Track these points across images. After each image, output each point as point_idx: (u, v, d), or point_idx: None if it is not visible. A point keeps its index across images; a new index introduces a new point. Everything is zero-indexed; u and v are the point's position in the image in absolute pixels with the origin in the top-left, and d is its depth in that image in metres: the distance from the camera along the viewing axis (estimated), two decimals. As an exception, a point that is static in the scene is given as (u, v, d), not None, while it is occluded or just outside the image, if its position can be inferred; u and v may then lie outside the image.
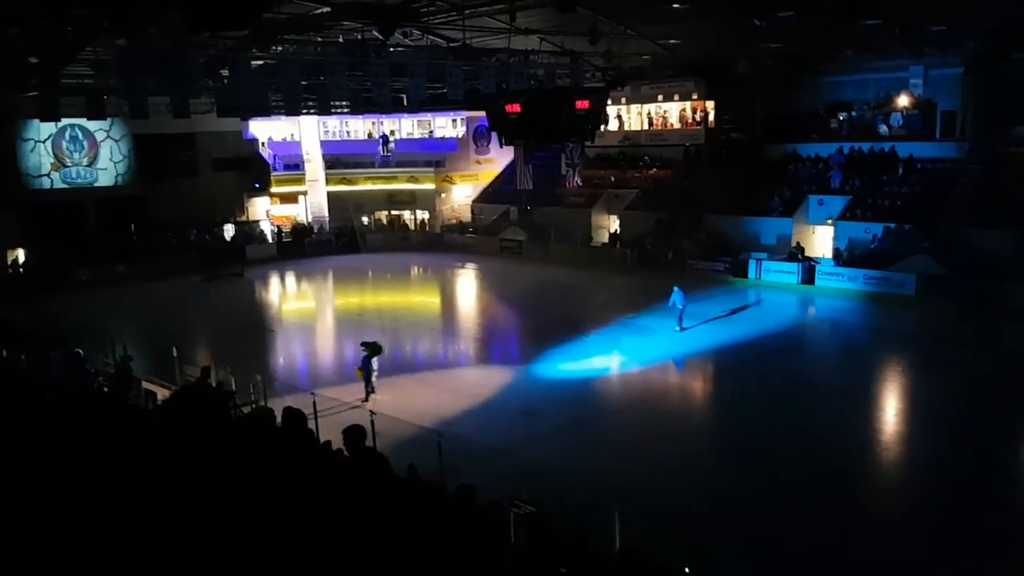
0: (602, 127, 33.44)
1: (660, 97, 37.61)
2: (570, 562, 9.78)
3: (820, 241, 30.17)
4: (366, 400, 17.07)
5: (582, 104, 24.11)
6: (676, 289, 22.85)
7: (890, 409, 17.94)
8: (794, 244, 29.47)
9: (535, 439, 15.59)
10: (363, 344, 18.02)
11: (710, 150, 35.54)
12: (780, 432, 15.59)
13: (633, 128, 39.27)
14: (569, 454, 14.68)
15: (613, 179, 38.29)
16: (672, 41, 28.35)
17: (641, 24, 25.78)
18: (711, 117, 36.01)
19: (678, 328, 22.83)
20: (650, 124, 38.62)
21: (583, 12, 19.34)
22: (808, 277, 28.24)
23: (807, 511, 12.35)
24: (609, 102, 32.72)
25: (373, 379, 17.66)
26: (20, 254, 34.73)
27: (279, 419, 9.31)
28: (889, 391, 19.08)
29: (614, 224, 36.37)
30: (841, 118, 33.09)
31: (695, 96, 36.35)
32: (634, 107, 38.89)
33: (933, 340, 22.08)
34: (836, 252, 28.63)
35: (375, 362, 17.75)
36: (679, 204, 33.00)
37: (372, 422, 13.06)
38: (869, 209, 28.57)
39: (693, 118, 36.71)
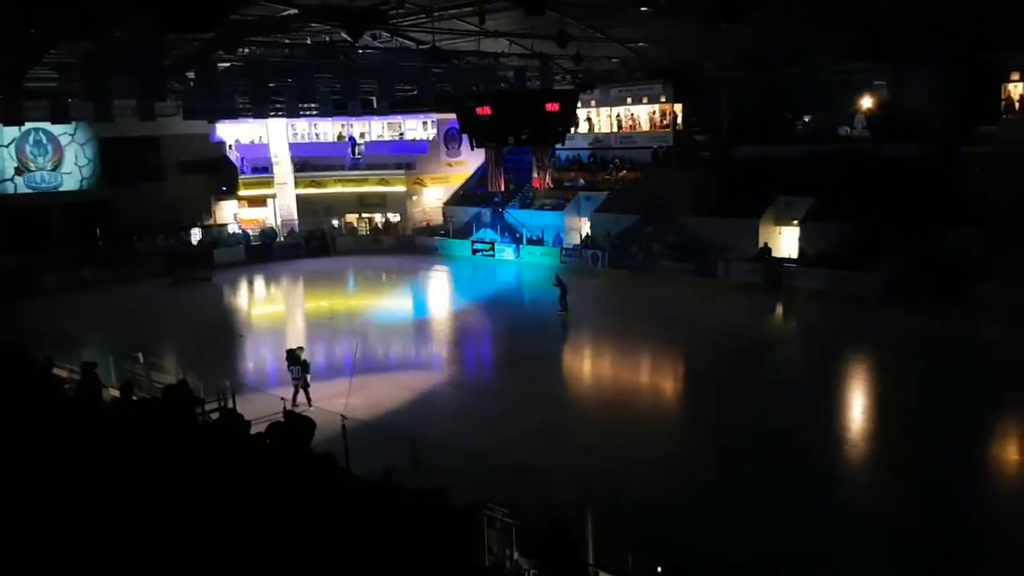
0: (572, 129, 33.73)
1: (629, 100, 37.90)
2: (546, 561, 9.86)
3: (787, 242, 30.54)
4: (295, 404, 16.72)
5: (552, 106, 24.27)
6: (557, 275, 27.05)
7: (856, 407, 18.29)
8: (761, 245, 29.83)
9: (509, 441, 15.65)
10: (288, 351, 17.95)
11: (678, 152, 35.88)
12: (750, 431, 15.84)
13: (603, 131, 39.52)
14: (543, 456, 14.75)
15: (583, 181, 38.50)
16: (640, 44, 28.63)
17: (609, 27, 26.02)
18: (679, 119, 36.36)
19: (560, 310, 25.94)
20: (619, 127, 38.88)
21: (551, 15, 19.44)
22: (775, 277, 28.61)
23: (786, 508, 12.51)
24: (579, 105, 32.92)
25: (302, 384, 17.47)
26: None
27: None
28: (853, 389, 19.42)
29: (585, 226, 36.56)
30: (807, 119, 33.54)
31: (663, 99, 36.66)
32: (604, 110, 39.13)
33: (898, 339, 22.46)
34: (802, 252, 29.04)
35: (296, 370, 17.55)
36: (649, 206, 33.27)
37: (343, 426, 13.10)
38: (834, 210, 28.97)
39: (661, 121, 37.04)
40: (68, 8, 14.42)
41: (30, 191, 35.35)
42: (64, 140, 36.07)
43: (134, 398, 12.87)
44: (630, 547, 9.06)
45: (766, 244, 29.83)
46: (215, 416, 13.67)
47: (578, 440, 15.94)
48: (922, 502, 12.68)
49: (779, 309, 27.83)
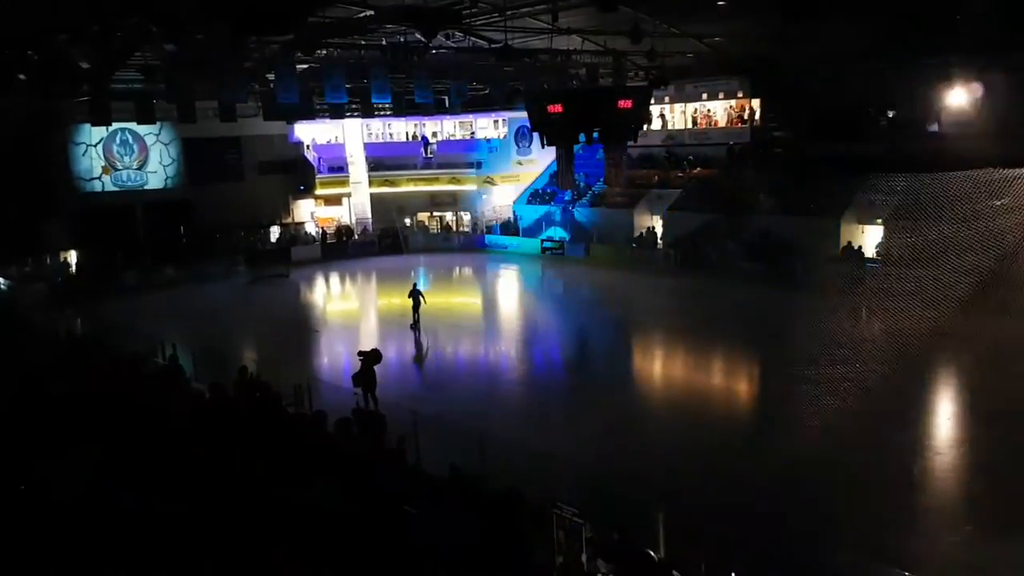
0: (645, 127, 33.17)
1: (705, 96, 37.18)
2: (613, 563, 9.69)
3: (871, 240, 29.45)
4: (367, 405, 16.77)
5: (625, 104, 23.78)
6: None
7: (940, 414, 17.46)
8: (844, 244, 28.85)
9: (577, 441, 15.49)
10: (360, 353, 17.70)
11: (755, 149, 35.01)
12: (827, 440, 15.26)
13: (677, 127, 38.88)
14: (611, 457, 14.53)
15: (656, 179, 37.95)
16: (716, 39, 28.01)
17: (684, 23, 25.53)
18: (757, 115, 35.49)
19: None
20: (694, 123, 38.19)
21: (625, 11, 19.18)
22: (856, 278, 27.48)
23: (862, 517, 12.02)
24: (652, 101, 32.38)
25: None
26: (72, 257, 35.61)
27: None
28: (941, 395, 18.56)
29: (657, 224, 36.05)
30: (891, 115, 32.23)
31: (740, 94, 35.86)
32: (678, 106, 38.50)
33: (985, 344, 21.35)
34: (886, 252, 27.90)
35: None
36: (723, 204, 32.57)
37: (415, 422, 13.16)
38: (919, 209, 27.74)
39: (739, 117, 36.23)
40: (152, 12, 14.89)
41: (116, 189, 36.75)
42: (149, 140, 37.42)
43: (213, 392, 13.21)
44: (703, 552, 8.84)
45: (850, 243, 28.83)
46: (292, 410, 14.01)
47: (647, 442, 15.65)
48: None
49: (862, 311, 26.83)
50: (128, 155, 37.06)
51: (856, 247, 28.85)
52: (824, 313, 25.55)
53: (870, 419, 16.18)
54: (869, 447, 14.71)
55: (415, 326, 25.08)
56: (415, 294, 25.35)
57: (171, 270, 35.25)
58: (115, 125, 33.43)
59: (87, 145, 35.91)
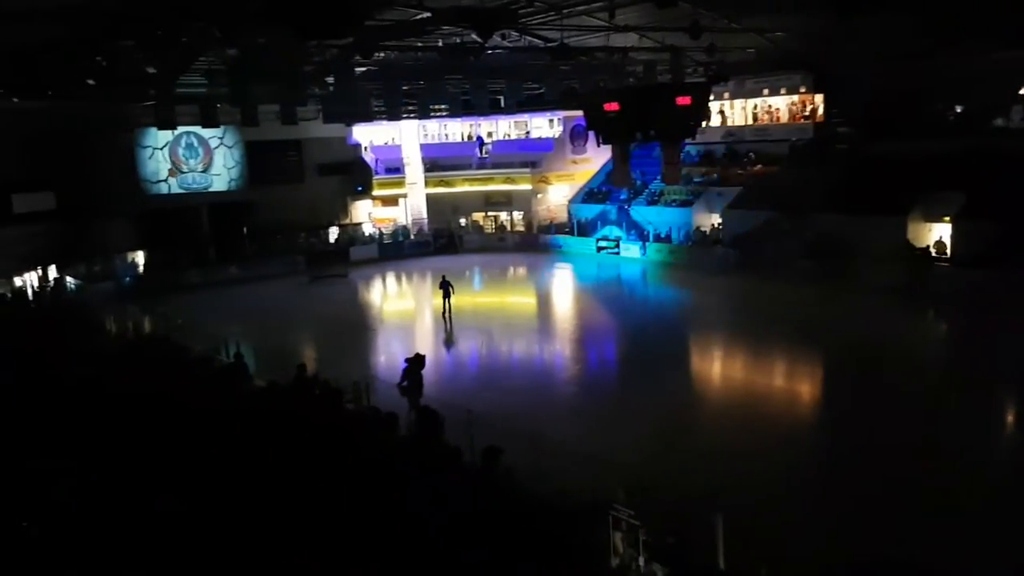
0: (704, 123, 32.72)
1: (766, 91, 36.51)
2: (669, 567, 9.56)
3: (935, 241, 28.45)
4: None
5: (683, 100, 23.52)
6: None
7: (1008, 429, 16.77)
8: (911, 243, 27.95)
9: (632, 442, 15.33)
10: (407, 361, 17.74)
11: (818, 145, 34.22)
12: (889, 446, 14.80)
13: (736, 123, 38.25)
14: (667, 459, 14.35)
15: (715, 176, 37.40)
16: (778, 34, 27.46)
17: (744, 17, 25.08)
18: (819, 111, 34.69)
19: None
20: (754, 119, 37.52)
21: (683, 6, 18.92)
22: (922, 279, 26.60)
23: (921, 527, 11.62)
24: (712, 97, 31.91)
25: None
26: (139, 257, 36.80)
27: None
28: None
29: (716, 223, 35.50)
30: (959, 110, 31.14)
31: (803, 89, 35.12)
32: (738, 102, 37.87)
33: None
34: (954, 252, 26.94)
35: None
36: (785, 202, 31.89)
37: (469, 422, 13.18)
38: (989, 207, 26.73)
39: (801, 112, 35.47)
40: (216, 18, 15.25)
41: (182, 191, 37.85)
42: (213, 143, 38.40)
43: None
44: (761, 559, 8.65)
45: (916, 243, 27.95)
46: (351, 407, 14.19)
47: (704, 445, 15.40)
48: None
49: (929, 313, 26.02)
50: (193, 158, 38.09)
51: (923, 246, 27.92)
52: (889, 315, 24.94)
53: (937, 427, 15.69)
54: (940, 456, 14.22)
55: (446, 316, 25.93)
56: (445, 285, 26.40)
57: (234, 269, 36.17)
58: (180, 129, 34.47)
59: (153, 148, 37.04)
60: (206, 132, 36.81)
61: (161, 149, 37.25)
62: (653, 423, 16.41)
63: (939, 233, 28.22)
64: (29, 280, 30.10)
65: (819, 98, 34.64)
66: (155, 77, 23.62)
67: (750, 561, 8.73)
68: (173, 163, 37.62)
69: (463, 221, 43.72)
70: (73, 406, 8.20)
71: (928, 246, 27.87)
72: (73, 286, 31.90)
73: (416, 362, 17.25)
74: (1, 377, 9.89)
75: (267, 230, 38.46)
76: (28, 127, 29.61)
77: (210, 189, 38.49)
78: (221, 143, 38.60)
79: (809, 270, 29.37)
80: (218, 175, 38.78)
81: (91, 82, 21.19)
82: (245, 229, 37.90)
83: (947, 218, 27.78)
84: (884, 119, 32.39)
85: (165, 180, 37.54)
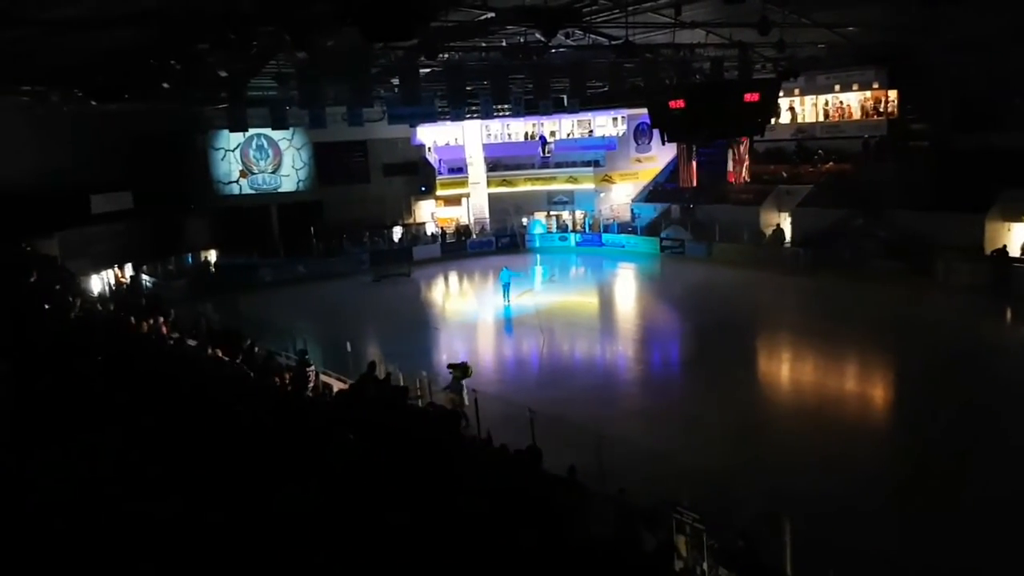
0: (773, 120, 31.99)
1: (837, 87, 35.52)
2: (735, 571, 9.39)
3: (1017, 238, 27.27)
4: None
5: (751, 97, 23.00)
6: (504, 269, 29.69)
7: None
8: (988, 242, 26.82)
9: (697, 444, 15.11)
10: (451, 366, 17.58)
11: (892, 141, 33.12)
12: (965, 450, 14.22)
13: (807, 120, 37.32)
14: (733, 461, 14.07)
15: (784, 174, 36.53)
16: (850, 28, 26.64)
17: (815, 12, 24.39)
18: (893, 107, 33.57)
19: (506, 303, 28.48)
20: (826, 116, 36.54)
21: (751, 2, 18.50)
22: (1003, 278, 25.48)
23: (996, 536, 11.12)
24: (781, 94, 31.17)
25: (464, 398, 16.60)
26: (212, 255, 37.92)
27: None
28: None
29: (785, 222, 34.69)
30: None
31: (876, 85, 34.03)
32: (808, 98, 36.94)
33: None
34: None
35: (464, 384, 16.97)
36: (858, 200, 30.96)
37: (532, 421, 13.19)
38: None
39: (874, 108, 34.40)
40: (286, 21, 15.57)
41: (253, 192, 38.89)
42: (283, 145, 39.31)
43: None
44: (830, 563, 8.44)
45: (994, 241, 26.81)
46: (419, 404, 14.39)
47: (772, 447, 15.08)
48: None
49: (1008, 313, 24.93)
50: (263, 159, 39.07)
51: (1001, 245, 26.75)
52: (966, 316, 23.99)
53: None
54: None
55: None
56: (507, 283, 28.99)
57: (302, 267, 36.93)
58: (251, 131, 35.40)
59: (226, 150, 38.13)
60: (276, 134, 37.70)
61: (233, 151, 38.29)
62: (724, 426, 16.15)
63: (1019, 232, 27.02)
64: (106, 278, 31.24)
65: (893, 94, 33.52)
66: (227, 80, 24.24)
67: (819, 569, 8.52)
68: (244, 164, 38.63)
69: (525, 220, 43.71)
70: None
71: (1005, 245, 26.67)
72: (149, 284, 33.04)
73: (460, 369, 17.26)
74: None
75: (334, 229, 39.16)
76: (105, 130, 30.68)
77: (279, 190, 39.41)
78: (290, 144, 39.48)
79: (885, 269, 28.46)
80: (287, 176, 39.66)
81: (166, 86, 21.84)
82: (312, 228, 38.69)
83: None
84: (968, 113, 31.14)
85: (236, 181, 38.59)
